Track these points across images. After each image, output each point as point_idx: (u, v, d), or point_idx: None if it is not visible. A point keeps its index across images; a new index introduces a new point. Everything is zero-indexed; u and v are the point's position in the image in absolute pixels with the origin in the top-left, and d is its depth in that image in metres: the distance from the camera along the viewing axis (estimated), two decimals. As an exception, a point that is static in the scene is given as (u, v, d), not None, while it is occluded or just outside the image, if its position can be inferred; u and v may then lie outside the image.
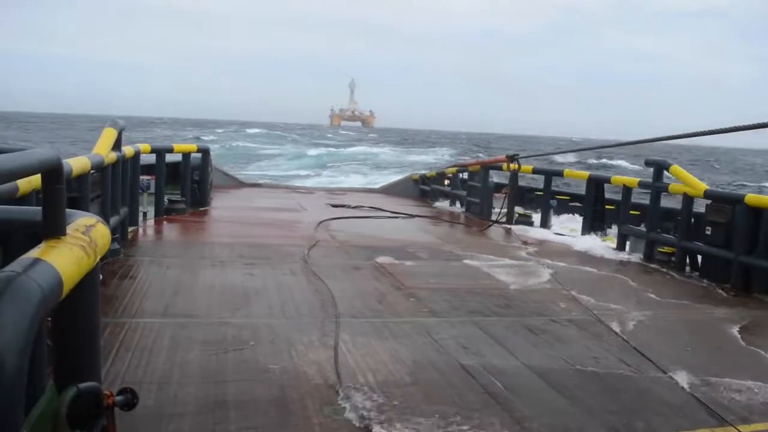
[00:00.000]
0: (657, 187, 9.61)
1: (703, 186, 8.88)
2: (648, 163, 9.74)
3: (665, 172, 9.51)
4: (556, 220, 12.88)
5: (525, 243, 10.43)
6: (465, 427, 3.62)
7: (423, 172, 18.64)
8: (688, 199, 9.03)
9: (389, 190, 18.51)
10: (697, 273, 8.81)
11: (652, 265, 9.15)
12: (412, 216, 13.12)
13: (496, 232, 11.86)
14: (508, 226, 12.39)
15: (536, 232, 11.88)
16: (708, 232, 8.65)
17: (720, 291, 7.73)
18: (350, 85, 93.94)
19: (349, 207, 13.79)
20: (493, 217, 12.88)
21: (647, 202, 10.00)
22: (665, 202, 10.04)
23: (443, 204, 15.90)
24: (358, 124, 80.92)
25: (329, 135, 74.85)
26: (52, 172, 1.95)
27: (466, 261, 8.48)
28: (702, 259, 8.84)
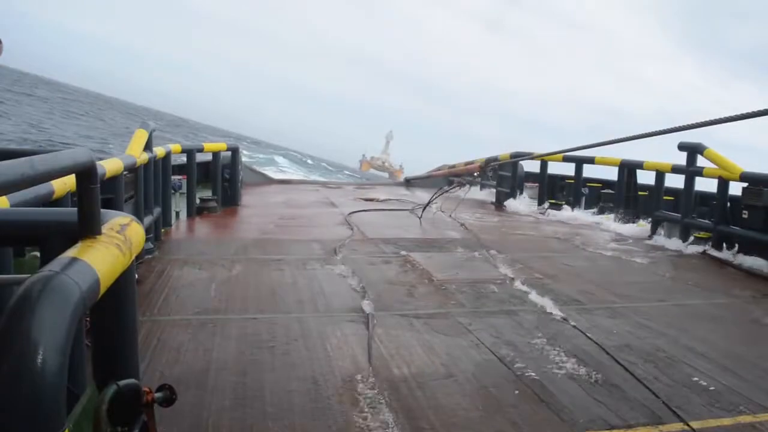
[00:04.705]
0: (691, 171, 9.43)
1: (739, 169, 8.67)
2: (681, 147, 9.54)
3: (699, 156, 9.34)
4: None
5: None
6: (503, 420, 3.60)
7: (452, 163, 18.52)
8: (723, 183, 8.86)
9: (418, 183, 18.46)
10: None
11: (686, 251, 9.02)
12: (440, 209, 13.08)
13: (524, 221, 11.80)
14: (541, 215, 12.39)
15: (565, 216, 12.04)
16: (745, 216, 8.48)
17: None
18: (387, 137, 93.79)
19: (378, 200, 13.79)
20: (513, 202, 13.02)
21: (681, 186, 9.83)
22: (699, 186, 9.85)
23: (473, 194, 15.84)
24: (386, 175, 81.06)
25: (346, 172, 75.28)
26: (86, 172, 1.97)
27: (494, 251, 8.42)
28: (739, 243, 8.67)
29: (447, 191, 12.38)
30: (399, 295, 6.10)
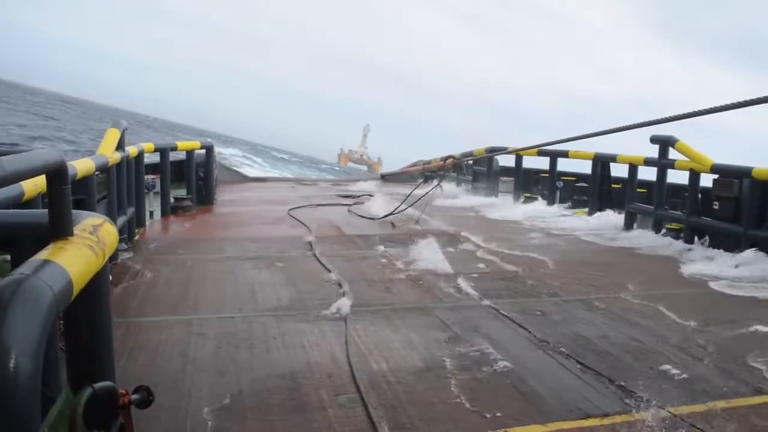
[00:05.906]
0: (663, 163, 9.55)
1: (710, 161, 8.80)
2: (653, 140, 9.65)
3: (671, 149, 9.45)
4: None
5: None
6: (482, 412, 3.62)
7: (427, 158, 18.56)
8: (694, 175, 8.98)
9: (394, 178, 18.48)
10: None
11: (659, 244, 9.14)
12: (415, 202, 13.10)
13: (500, 216, 11.87)
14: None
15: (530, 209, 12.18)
16: (716, 207, 8.61)
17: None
18: (364, 130, 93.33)
19: (354, 197, 13.78)
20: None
21: (653, 179, 9.95)
22: (672, 178, 9.98)
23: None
24: (364, 168, 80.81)
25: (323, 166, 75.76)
26: (57, 172, 1.94)
27: (468, 245, 8.45)
28: (710, 234, 8.81)
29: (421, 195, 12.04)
30: (376, 290, 6.10)
